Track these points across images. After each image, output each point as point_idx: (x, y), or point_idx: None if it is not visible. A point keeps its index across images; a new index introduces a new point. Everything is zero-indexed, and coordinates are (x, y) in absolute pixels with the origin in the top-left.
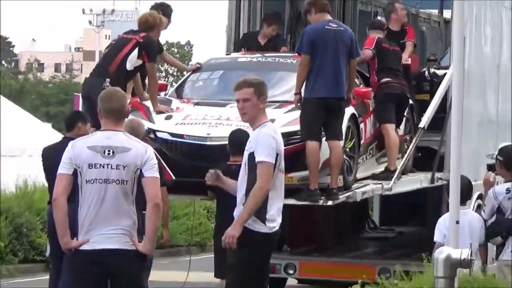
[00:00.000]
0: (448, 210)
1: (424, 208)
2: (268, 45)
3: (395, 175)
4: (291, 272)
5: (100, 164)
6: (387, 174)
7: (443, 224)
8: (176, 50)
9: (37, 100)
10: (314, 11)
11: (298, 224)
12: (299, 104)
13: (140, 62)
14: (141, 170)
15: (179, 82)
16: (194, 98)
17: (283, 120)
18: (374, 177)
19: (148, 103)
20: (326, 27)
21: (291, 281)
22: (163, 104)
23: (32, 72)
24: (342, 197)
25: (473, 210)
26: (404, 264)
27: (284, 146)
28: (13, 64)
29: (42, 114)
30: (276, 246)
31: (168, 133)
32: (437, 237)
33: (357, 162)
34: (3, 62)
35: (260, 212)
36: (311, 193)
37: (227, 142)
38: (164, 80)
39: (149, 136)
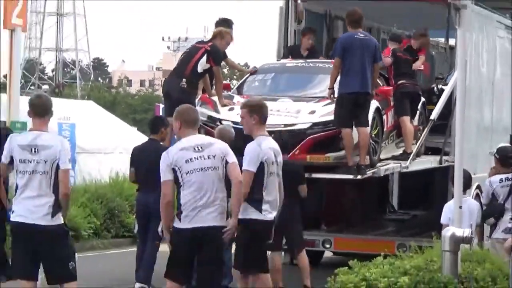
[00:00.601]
0: (452, 198)
1: (433, 195)
2: (308, 56)
3: (411, 156)
4: (327, 246)
5: (195, 157)
6: (404, 156)
7: (448, 209)
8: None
9: (126, 109)
10: (347, 23)
11: (333, 207)
12: (332, 96)
13: (208, 66)
14: (226, 160)
15: (239, 82)
16: (251, 94)
17: (322, 111)
18: (394, 158)
19: (215, 98)
20: (355, 36)
21: (327, 254)
22: (227, 99)
23: (122, 86)
24: (369, 173)
25: (472, 198)
26: (418, 241)
27: (322, 132)
28: (107, 80)
29: (130, 120)
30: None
31: (231, 121)
32: (443, 219)
33: (381, 146)
34: (99, 79)
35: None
36: (349, 168)
37: (277, 129)
38: (228, 81)
39: (216, 124)
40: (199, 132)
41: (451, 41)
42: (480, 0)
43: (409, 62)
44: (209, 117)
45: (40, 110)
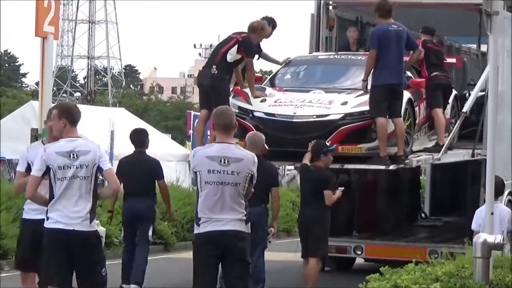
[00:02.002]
0: (483, 204)
1: (464, 202)
2: (358, 50)
3: (443, 148)
4: (359, 252)
5: (218, 170)
6: (436, 148)
7: (479, 215)
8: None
9: (158, 116)
10: (377, 15)
11: (364, 214)
12: (366, 88)
13: (239, 56)
14: (252, 175)
15: (272, 74)
16: (283, 86)
17: (354, 102)
18: (426, 150)
19: (247, 90)
20: (389, 28)
21: (359, 260)
22: (259, 91)
23: (154, 94)
24: (401, 164)
25: (504, 204)
26: (449, 247)
27: (354, 123)
28: (139, 87)
29: (162, 127)
30: None
31: (263, 112)
32: (474, 226)
33: (413, 137)
34: (131, 86)
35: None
36: (382, 159)
37: (309, 120)
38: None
39: (248, 116)
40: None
41: (483, 47)
42: None
43: (440, 54)
44: (240, 108)
45: (76, 118)
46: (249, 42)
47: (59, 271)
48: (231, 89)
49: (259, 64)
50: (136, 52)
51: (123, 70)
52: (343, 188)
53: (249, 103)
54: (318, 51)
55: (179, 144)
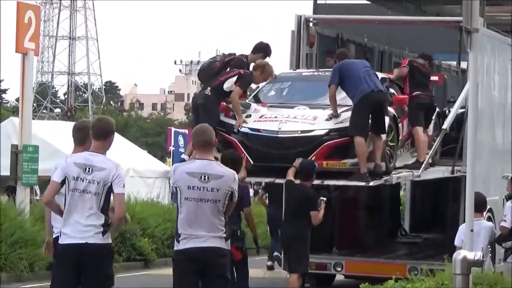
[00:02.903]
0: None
1: (444, 219)
2: None
3: (423, 165)
4: (338, 269)
5: (198, 187)
6: (417, 164)
7: (462, 231)
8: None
9: (138, 132)
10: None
11: (344, 231)
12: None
13: (233, 87)
14: (232, 192)
15: (257, 90)
16: (268, 102)
17: (338, 118)
18: (406, 167)
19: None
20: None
21: (339, 277)
22: (244, 107)
23: (134, 110)
24: (381, 180)
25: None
26: (429, 264)
27: (338, 138)
28: (119, 103)
29: (142, 143)
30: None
31: (248, 127)
32: (457, 242)
33: (396, 154)
34: (111, 102)
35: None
36: (362, 175)
37: (294, 135)
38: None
39: (233, 131)
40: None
41: (463, 64)
42: (492, 24)
43: (426, 74)
44: (225, 123)
45: (99, 133)
46: (248, 78)
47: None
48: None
49: None
50: (116, 68)
51: (104, 86)
52: (325, 198)
53: (235, 118)
54: (299, 67)
55: (159, 161)
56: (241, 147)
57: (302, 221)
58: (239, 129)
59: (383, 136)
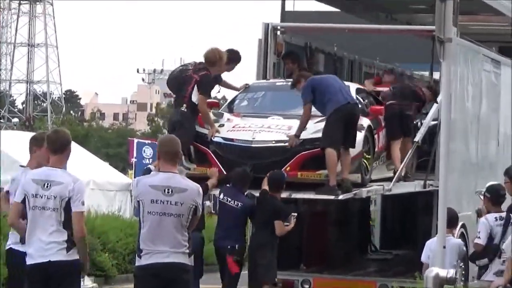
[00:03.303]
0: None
1: (416, 234)
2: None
3: (394, 179)
4: (306, 286)
5: (161, 200)
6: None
7: (429, 247)
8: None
9: (99, 143)
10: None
11: (313, 246)
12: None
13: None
14: (196, 207)
15: (229, 100)
16: (241, 111)
17: (313, 128)
18: (384, 180)
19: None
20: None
21: None
22: (216, 116)
23: (95, 120)
24: (350, 194)
25: (457, 237)
26: (400, 281)
27: (313, 149)
28: (79, 113)
29: (103, 155)
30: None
31: (222, 137)
32: (423, 258)
33: (372, 166)
34: (71, 111)
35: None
36: (330, 188)
37: (268, 145)
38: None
39: (206, 141)
40: (188, 148)
41: (436, 75)
42: (466, 34)
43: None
44: (198, 133)
45: (55, 146)
46: (206, 82)
47: None
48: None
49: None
50: (77, 77)
51: (63, 95)
52: (296, 214)
53: (207, 128)
54: (266, 77)
55: (121, 173)
56: (214, 157)
57: (269, 230)
58: (212, 138)
59: (352, 151)
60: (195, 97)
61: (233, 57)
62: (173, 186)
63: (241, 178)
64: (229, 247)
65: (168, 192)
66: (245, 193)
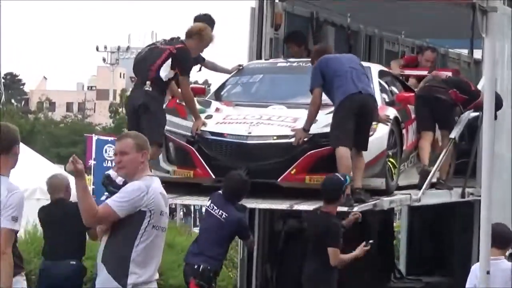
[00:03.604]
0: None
1: (451, 257)
2: None
3: (424, 186)
4: None
5: (165, 212)
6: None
7: (474, 273)
8: None
9: (48, 141)
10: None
11: None
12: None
13: (173, 73)
14: None
15: (218, 85)
16: (234, 100)
17: (325, 121)
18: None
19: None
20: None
21: None
22: (202, 106)
23: (42, 111)
24: (368, 204)
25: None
26: None
27: (325, 146)
28: (23, 103)
29: (53, 155)
30: None
31: (209, 131)
32: (468, 286)
33: (399, 169)
34: (12, 101)
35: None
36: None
37: (268, 141)
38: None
39: (190, 136)
40: (167, 146)
41: (477, 54)
42: None
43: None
44: (180, 126)
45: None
46: (185, 56)
47: None
48: (165, 104)
49: (204, 74)
50: (20, 58)
51: (3, 80)
52: (371, 241)
53: (190, 119)
54: (260, 56)
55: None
56: (199, 156)
57: (322, 259)
58: (197, 132)
59: (374, 149)
60: (164, 72)
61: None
62: (164, 193)
63: (236, 185)
64: (195, 266)
65: (166, 202)
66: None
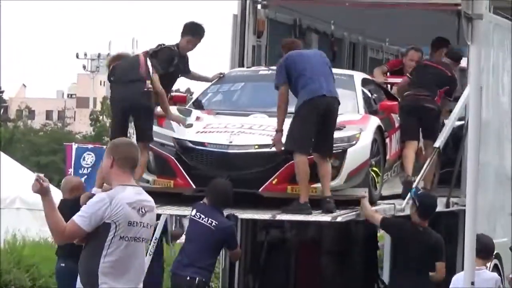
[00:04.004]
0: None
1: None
2: None
3: (408, 196)
4: None
5: (137, 222)
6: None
7: (457, 284)
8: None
9: (27, 149)
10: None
11: (304, 283)
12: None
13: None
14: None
15: (199, 93)
16: (215, 108)
17: None
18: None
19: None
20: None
21: None
22: (183, 114)
23: (22, 119)
24: (351, 214)
25: (489, 270)
26: None
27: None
28: (2, 111)
29: (33, 164)
30: None
31: (189, 140)
32: None
33: (383, 178)
34: None
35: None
36: (300, 206)
37: (249, 150)
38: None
39: (169, 145)
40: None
41: (462, 62)
42: (502, 8)
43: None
44: (158, 134)
45: None
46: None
47: None
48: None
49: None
50: None
51: None
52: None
53: (170, 128)
54: (243, 64)
55: (56, 187)
56: (179, 165)
57: (423, 276)
58: (177, 142)
59: (357, 158)
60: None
61: (191, 31)
62: (145, 203)
63: (221, 192)
64: (188, 278)
65: (142, 212)
66: (225, 214)
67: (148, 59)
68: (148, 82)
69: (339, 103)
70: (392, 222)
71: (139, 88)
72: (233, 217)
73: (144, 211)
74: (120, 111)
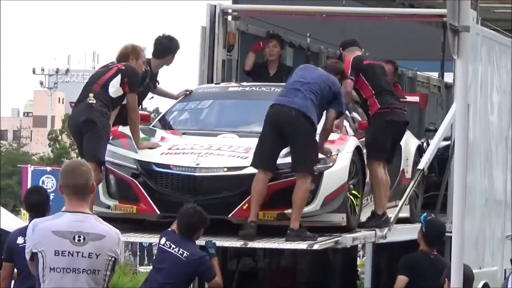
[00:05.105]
0: None
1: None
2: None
3: (392, 220)
4: None
5: (69, 251)
6: (378, 220)
7: None
8: None
9: None
10: None
11: None
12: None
13: (121, 92)
14: (116, 259)
15: (163, 112)
16: (180, 128)
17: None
18: (361, 225)
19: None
20: None
21: None
22: (146, 134)
23: None
24: (328, 242)
25: None
26: None
27: (281, 179)
28: None
29: None
30: None
31: (153, 163)
32: None
33: (362, 203)
34: None
35: None
36: (298, 233)
37: (218, 173)
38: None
39: (132, 168)
40: (107, 178)
41: (448, 77)
42: (490, 20)
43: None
44: (121, 156)
45: None
46: (134, 73)
47: None
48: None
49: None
50: None
51: None
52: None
53: (133, 149)
54: (212, 79)
55: (11, 213)
56: (142, 190)
57: None
58: (140, 165)
59: (334, 182)
60: (112, 88)
61: (163, 51)
62: (86, 231)
63: (191, 220)
64: None
65: (79, 241)
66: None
67: (120, 74)
68: (90, 95)
69: (304, 116)
70: (406, 264)
71: (84, 103)
72: (212, 244)
73: (83, 240)
74: (71, 132)
